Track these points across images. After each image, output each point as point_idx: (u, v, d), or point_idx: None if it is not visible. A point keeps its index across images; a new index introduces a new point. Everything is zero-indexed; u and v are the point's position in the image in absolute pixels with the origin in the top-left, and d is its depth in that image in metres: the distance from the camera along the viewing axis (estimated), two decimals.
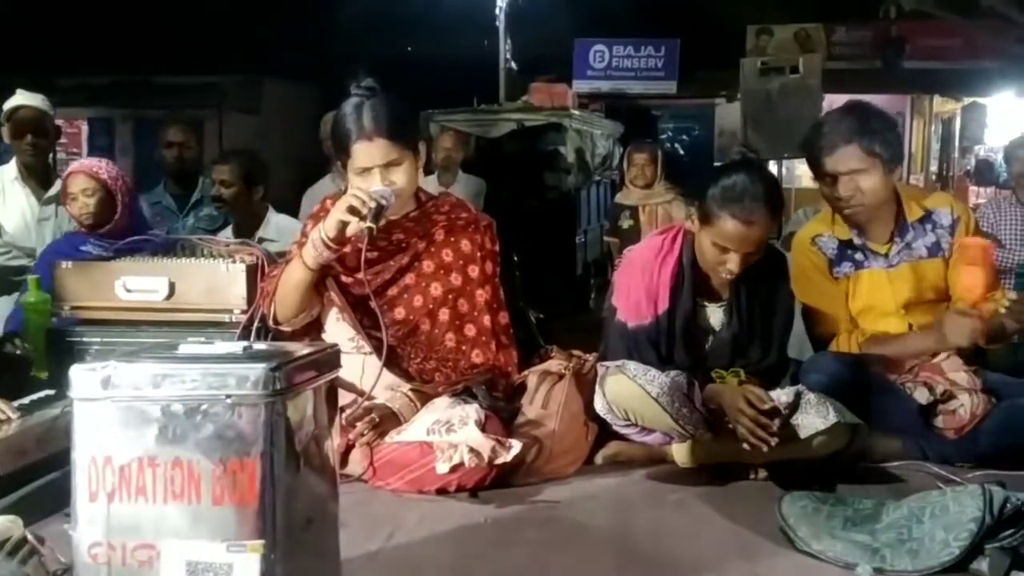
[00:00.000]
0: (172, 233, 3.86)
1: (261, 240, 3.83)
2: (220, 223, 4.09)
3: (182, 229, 4.03)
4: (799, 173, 10.11)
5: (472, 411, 2.31)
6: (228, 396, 1.31)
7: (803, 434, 2.28)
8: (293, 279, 2.44)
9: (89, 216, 3.28)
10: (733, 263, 2.41)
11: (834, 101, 9.37)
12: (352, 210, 2.29)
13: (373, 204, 2.29)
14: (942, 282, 2.69)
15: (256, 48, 11.44)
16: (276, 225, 3.87)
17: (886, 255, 2.70)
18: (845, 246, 2.73)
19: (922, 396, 2.52)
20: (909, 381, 2.58)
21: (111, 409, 1.32)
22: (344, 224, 2.31)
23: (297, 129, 11.28)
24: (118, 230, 3.23)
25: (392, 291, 2.51)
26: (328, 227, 2.33)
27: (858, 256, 2.72)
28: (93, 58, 10.87)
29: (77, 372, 1.33)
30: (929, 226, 2.70)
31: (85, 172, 3.30)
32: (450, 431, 2.27)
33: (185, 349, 1.43)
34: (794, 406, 2.31)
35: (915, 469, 2.44)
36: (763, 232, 2.41)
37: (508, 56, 11.10)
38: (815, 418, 2.28)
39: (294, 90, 12.63)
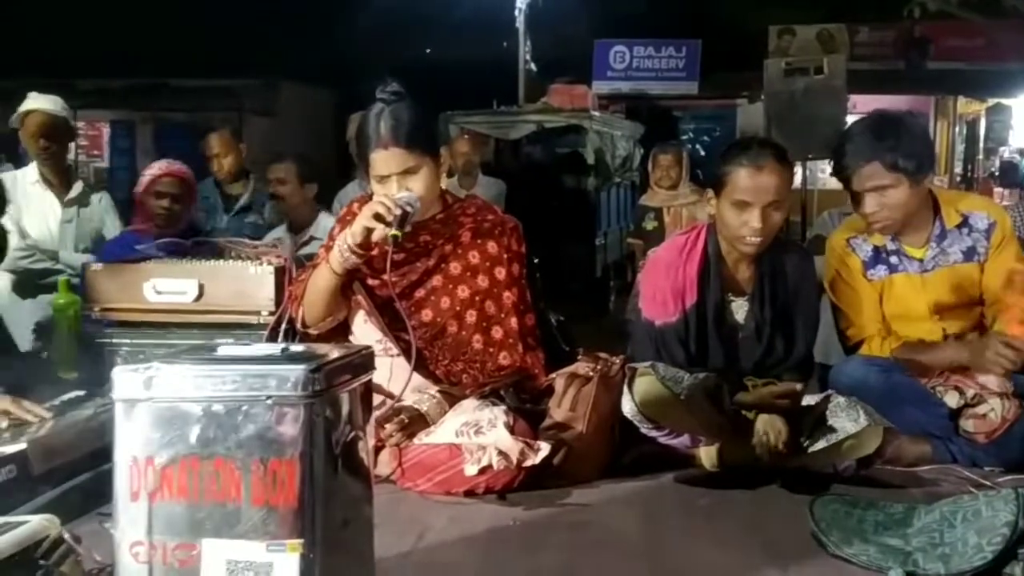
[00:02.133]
0: (214, 229, 3.95)
1: (312, 239, 3.90)
2: (263, 232, 4.16)
3: (223, 226, 4.13)
4: (823, 174, 10.06)
5: (500, 413, 2.32)
6: (268, 397, 1.32)
7: (834, 438, 2.27)
8: (320, 283, 2.46)
9: (166, 217, 3.39)
10: (755, 219, 2.41)
11: (857, 102, 9.35)
12: (378, 217, 2.31)
13: (398, 211, 2.31)
14: (976, 288, 2.67)
15: (273, 52, 11.51)
16: (325, 227, 3.93)
17: (921, 260, 2.68)
18: (880, 250, 2.71)
19: (952, 400, 2.50)
20: (939, 385, 2.56)
21: (153, 410, 1.33)
22: (370, 230, 2.33)
23: (314, 131, 11.35)
24: (180, 232, 3.34)
25: (419, 293, 2.52)
26: (354, 233, 2.35)
27: (893, 260, 2.70)
28: (114, 62, 10.96)
29: (119, 373, 1.34)
30: (965, 230, 2.68)
31: (175, 175, 3.46)
32: (479, 433, 2.27)
33: (224, 351, 1.45)
34: (820, 418, 2.30)
35: (945, 473, 2.43)
36: (777, 181, 2.42)
37: (527, 58, 11.12)
38: (845, 421, 2.28)
39: (311, 93, 12.70)
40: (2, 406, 2.26)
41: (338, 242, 2.41)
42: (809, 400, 2.36)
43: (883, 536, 1.91)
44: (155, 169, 3.61)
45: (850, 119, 8.13)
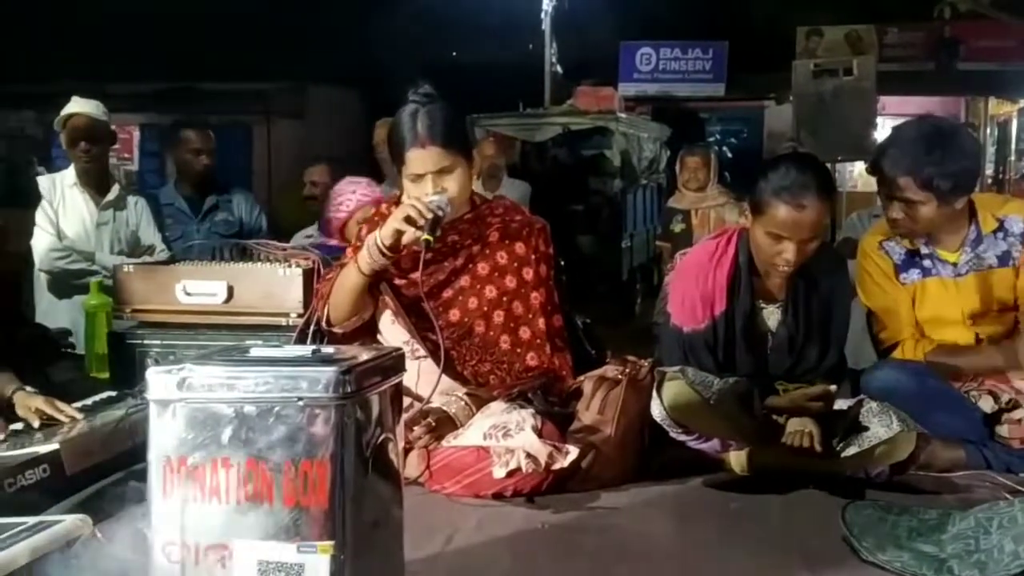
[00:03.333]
0: (186, 237, 3.96)
1: None
2: (236, 229, 4.18)
3: (196, 233, 4.11)
4: (852, 176, 9.99)
5: (529, 416, 2.31)
6: (300, 399, 1.32)
7: (866, 444, 2.25)
8: (348, 283, 2.46)
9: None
10: (789, 252, 2.38)
11: (887, 104, 9.27)
12: (409, 220, 2.31)
13: (430, 215, 2.30)
14: (1011, 293, 2.63)
15: (302, 55, 11.58)
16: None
17: (955, 264, 2.65)
18: (913, 254, 2.68)
19: (987, 405, 2.48)
20: (973, 389, 2.53)
21: (186, 411, 1.34)
22: (400, 233, 2.33)
23: (342, 134, 11.40)
24: None
25: (447, 293, 2.52)
26: (384, 235, 2.35)
27: (926, 263, 2.67)
28: (144, 66, 11.08)
29: (153, 375, 1.35)
30: (1001, 235, 2.64)
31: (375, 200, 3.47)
32: (507, 436, 2.27)
33: (256, 352, 1.45)
34: (852, 423, 2.28)
35: (980, 479, 2.39)
36: (816, 217, 2.38)
37: (553, 60, 11.11)
38: (878, 427, 2.25)
39: (339, 96, 12.76)
40: (35, 405, 2.29)
41: (367, 243, 2.41)
42: (841, 405, 2.34)
43: (917, 542, 1.88)
44: (360, 195, 3.55)
45: (880, 121, 8.10)
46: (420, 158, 2.43)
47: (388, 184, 4.73)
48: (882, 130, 8.38)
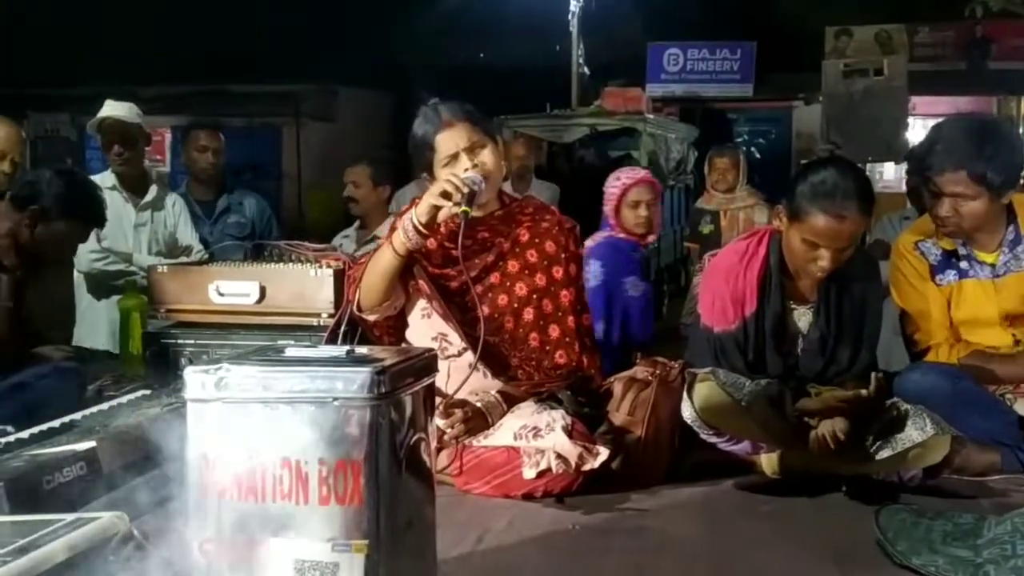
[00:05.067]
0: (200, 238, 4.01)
1: (375, 238, 3.98)
2: (248, 231, 4.22)
3: (209, 235, 4.14)
4: (882, 177, 9.90)
5: (559, 417, 2.31)
6: (335, 399, 1.34)
7: (900, 447, 2.23)
8: (381, 264, 2.45)
9: (644, 224, 3.59)
10: (825, 260, 2.36)
11: (918, 104, 9.17)
12: (445, 195, 2.29)
13: (466, 189, 2.30)
14: None
15: (330, 57, 11.65)
16: None
17: (993, 265, 2.62)
18: (950, 255, 2.65)
19: (1022, 407, 2.44)
20: (1008, 392, 2.50)
21: (223, 410, 1.35)
22: (436, 209, 2.32)
23: (370, 135, 11.46)
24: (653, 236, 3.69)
25: (477, 288, 2.51)
26: (420, 212, 2.33)
27: (963, 264, 2.64)
28: (176, 69, 11.20)
29: (191, 374, 1.37)
30: None
31: (645, 181, 3.64)
32: (537, 436, 2.27)
33: (291, 353, 1.47)
34: (885, 426, 2.26)
35: (1015, 483, 2.37)
36: (855, 228, 2.36)
37: (581, 61, 11.09)
38: (912, 430, 2.23)
39: (367, 97, 12.83)
40: None
41: (402, 222, 2.39)
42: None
43: (952, 547, 1.86)
44: (624, 179, 3.66)
45: (910, 121, 8.02)
46: (450, 137, 2.44)
47: (419, 183, 4.77)
48: (913, 131, 8.31)
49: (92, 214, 3.08)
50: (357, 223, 4.38)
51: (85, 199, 3.06)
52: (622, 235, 3.62)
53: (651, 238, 3.73)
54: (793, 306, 2.54)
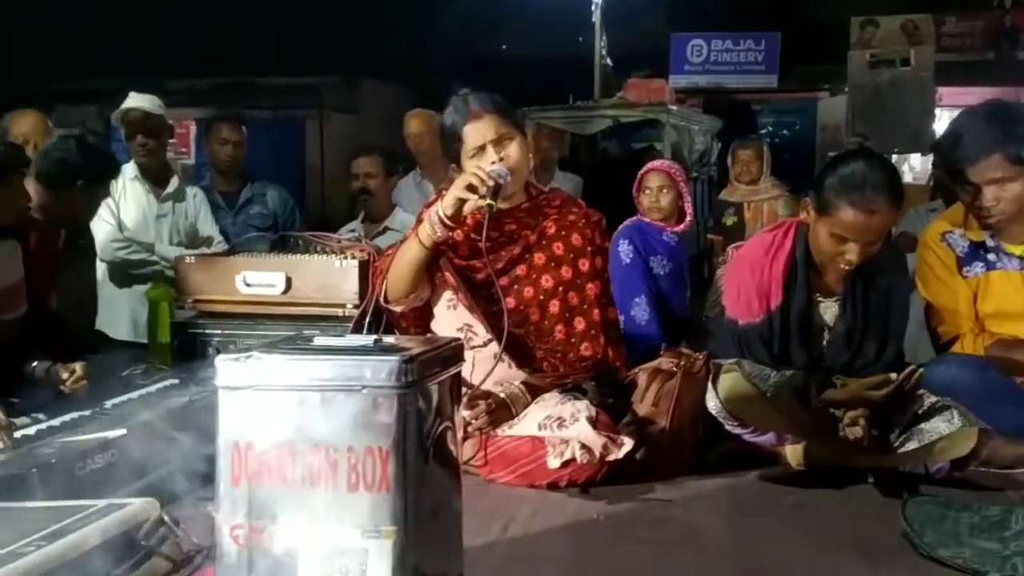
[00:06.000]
0: (221, 229, 4.04)
1: (387, 229, 3.98)
2: (270, 222, 4.25)
3: (232, 226, 4.17)
4: (912, 169, 9.79)
5: (584, 407, 2.32)
6: (363, 387, 1.34)
7: (926, 439, 2.22)
8: (407, 257, 2.46)
9: (658, 211, 3.81)
10: (853, 253, 2.34)
11: (944, 95, 9.06)
12: (471, 188, 2.30)
13: (491, 182, 2.30)
14: None
15: (354, 50, 11.68)
16: (403, 221, 4.01)
17: (1021, 257, 2.60)
18: (977, 246, 2.63)
19: None
20: None
21: (253, 397, 1.37)
22: (462, 202, 2.33)
23: (394, 127, 11.50)
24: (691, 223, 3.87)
25: (503, 281, 2.52)
26: (446, 204, 2.34)
27: (990, 257, 2.62)
28: (201, 62, 11.27)
29: (222, 361, 1.38)
30: None
31: (661, 170, 3.87)
32: (562, 426, 2.29)
33: (320, 341, 1.48)
34: (912, 418, 2.24)
35: None
36: (884, 221, 2.34)
37: (604, 52, 11.05)
38: (939, 422, 2.22)
39: (390, 90, 12.83)
40: None
41: (428, 215, 2.41)
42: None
43: (979, 539, 1.85)
44: (646, 168, 3.96)
45: (937, 112, 7.93)
46: (478, 129, 2.46)
47: (415, 176, 4.77)
48: (940, 122, 8.22)
49: (103, 174, 3.09)
50: (362, 215, 4.30)
51: (95, 160, 3.07)
52: (646, 220, 3.87)
53: (680, 226, 3.90)
54: (819, 299, 2.53)
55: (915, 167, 10.37)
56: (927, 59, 6.27)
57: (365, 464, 1.35)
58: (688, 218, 3.91)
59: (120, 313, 3.78)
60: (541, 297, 2.53)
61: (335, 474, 1.35)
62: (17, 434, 2.08)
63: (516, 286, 2.53)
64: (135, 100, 3.97)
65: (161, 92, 4.17)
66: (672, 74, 11.99)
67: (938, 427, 2.22)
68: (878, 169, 2.33)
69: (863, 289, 2.47)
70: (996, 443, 2.38)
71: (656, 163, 4.07)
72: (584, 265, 2.56)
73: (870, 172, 2.30)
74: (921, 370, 2.24)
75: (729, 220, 5.63)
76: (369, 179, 4.23)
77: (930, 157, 7.03)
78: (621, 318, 2.91)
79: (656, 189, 3.87)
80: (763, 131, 12.02)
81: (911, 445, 2.24)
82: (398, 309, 2.52)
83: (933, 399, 2.28)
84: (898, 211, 2.40)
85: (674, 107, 8.93)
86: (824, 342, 2.52)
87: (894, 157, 6.77)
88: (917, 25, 12.47)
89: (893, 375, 2.22)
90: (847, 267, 2.37)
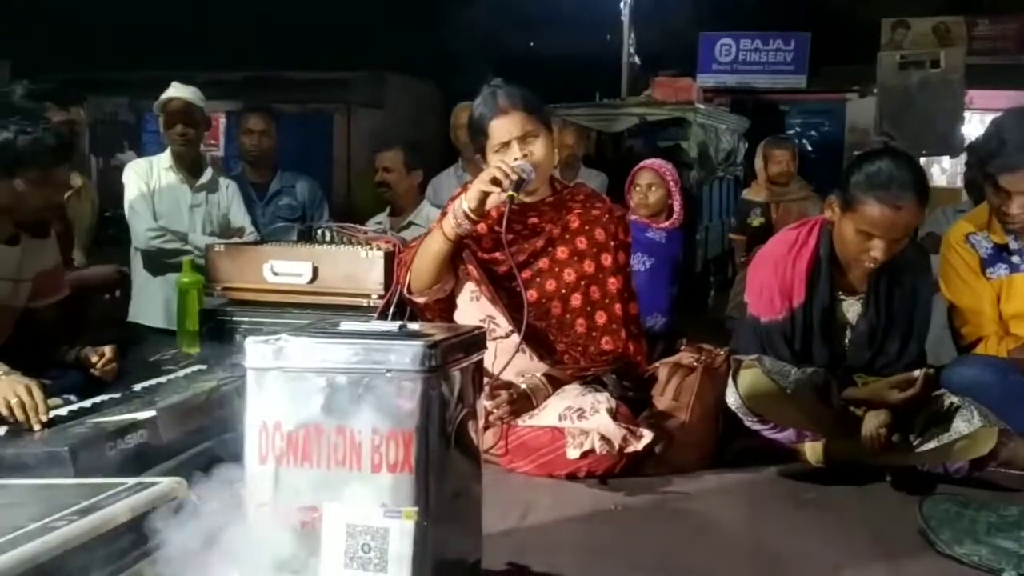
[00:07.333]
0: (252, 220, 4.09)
1: (411, 223, 4.01)
2: (299, 213, 4.29)
3: (261, 217, 4.22)
4: (944, 172, 9.71)
5: (604, 399, 2.34)
6: (388, 371, 1.38)
7: (946, 438, 2.22)
8: (431, 249, 2.50)
9: (646, 207, 3.88)
10: (878, 250, 2.34)
11: (975, 98, 8.97)
12: (494, 181, 2.33)
13: (515, 176, 2.33)
14: None
15: (381, 45, 11.74)
16: (427, 215, 4.04)
17: None
18: (1001, 248, 2.63)
19: None
20: None
21: (281, 379, 1.40)
22: (485, 195, 2.36)
23: (419, 123, 11.54)
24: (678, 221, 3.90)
25: (525, 274, 2.55)
26: (470, 198, 2.38)
27: (1014, 259, 2.61)
28: (229, 55, 11.38)
29: (251, 344, 1.42)
30: None
31: (651, 168, 3.93)
32: (582, 418, 2.31)
33: (346, 326, 1.52)
34: (932, 417, 2.24)
35: None
36: (911, 218, 2.34)
37: (632, 50, 11.03)
38: (959, 422, 2.22)
39: (417, 85, 12.89)
40: (10, 396, 2.07)
41: (452, 208, 2.44)
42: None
43: (996, 538, 1.86)
44: (638, 166, 4.04)
45: (967, 115, 7.85)
46: (504, 125, 2.48)
47: (456, 169, 4.80)
48: (969, 125, 8.15)
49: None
50: (388, 208, 4.32)
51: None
52: (633, 217, 3.84)
53: (666, 223, 3.93)
54: (842, 297, 2.53)
55: (946, 169, 10.29)
56: (957, 61, 6.21)
57: (388, 446, 1.38)
58: (675, 215, 3.94)
59: (153, 300, 3.84)
60: (563, 291, 2.55)
61: (359, 455, 1.39)
62: (50, 414, 2.13)
63: (539, 279, 2.56)
64: (178, 90, 4.01)
65: (191, 83, 4.21)
66: (700, 73, 11.97)
67: (959, 427, 2.22)
68: (904, 166, 2.33)
69: (887, 288, 2.47)
70: (1016, 444, 2.38)
71: (647, 161, 4.12)
72: (607, 260, 2.58)
73: (896, 169, 2.31)
74: (932, 371, 2.25)
75: (756, 220, 5.58)
76: (388, 173, 4.24)
77: (958, 161, 6.98)
78: None
79: (645, 186, 3.94)
80: (791, 131, 11.95)
81: (931, 444, 2.24)
82: (421, 300, 2.55)
83: (953, 399, 2.28)
84: (924, 209, 2.39)
85: (701, 106, 8.90)
86: (846, 340, 2.52)
87: (922, 159, 6.71)
88: (949, 27, 12.37)
89: (916, 372, 2.23)
90: (872, 264, 2.37)
